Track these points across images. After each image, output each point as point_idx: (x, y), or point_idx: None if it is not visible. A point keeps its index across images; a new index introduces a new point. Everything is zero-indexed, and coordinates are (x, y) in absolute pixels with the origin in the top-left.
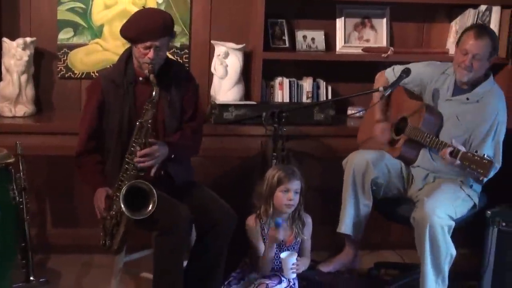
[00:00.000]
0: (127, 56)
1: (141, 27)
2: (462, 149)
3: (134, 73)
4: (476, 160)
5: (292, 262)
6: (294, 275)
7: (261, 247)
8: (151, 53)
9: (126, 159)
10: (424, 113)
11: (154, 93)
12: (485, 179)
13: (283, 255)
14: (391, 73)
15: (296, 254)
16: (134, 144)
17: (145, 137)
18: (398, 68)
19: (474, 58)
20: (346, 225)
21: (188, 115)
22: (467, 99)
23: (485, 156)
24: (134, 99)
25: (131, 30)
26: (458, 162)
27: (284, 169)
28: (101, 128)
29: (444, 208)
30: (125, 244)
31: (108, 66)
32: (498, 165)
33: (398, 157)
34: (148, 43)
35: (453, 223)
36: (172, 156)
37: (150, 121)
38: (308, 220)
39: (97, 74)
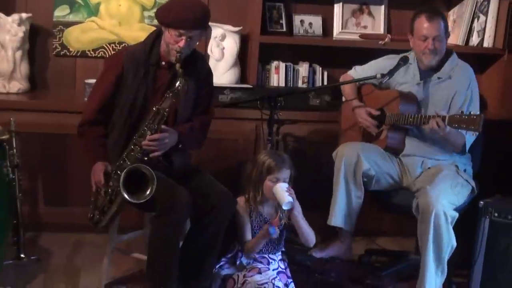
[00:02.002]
0: (154, 37)
1: (179, 15)
2: (447, 114)
3: (159, 56)
4: (464, 119)
5: (286, 186)
6: (291, 199)
7: (248, 229)
8: (182, 42)
9: (134, 140)
10: (399, 99)
11: (178, 83)
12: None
13: (274, 188)
14: (355, 73)
15: (286, 184)
16: (145, 128)
17: (158, 124)
18: (359, 68)
19: (435, 40)
20: (336, 218)
21: (201, 108)
22: (439, 78)
23: (471, 113)
24: (153, 82)
25: (169, 15)
26: (447, 128)
27: (275, 158)
28: (113, 102)
29: (447, 197)
30: (113, 222)
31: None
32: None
33: (386, 148)
34: (182, 31)
35: (456, 214)
36: (180, 146)
37: (167, 109)
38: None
39: (92, 53)
